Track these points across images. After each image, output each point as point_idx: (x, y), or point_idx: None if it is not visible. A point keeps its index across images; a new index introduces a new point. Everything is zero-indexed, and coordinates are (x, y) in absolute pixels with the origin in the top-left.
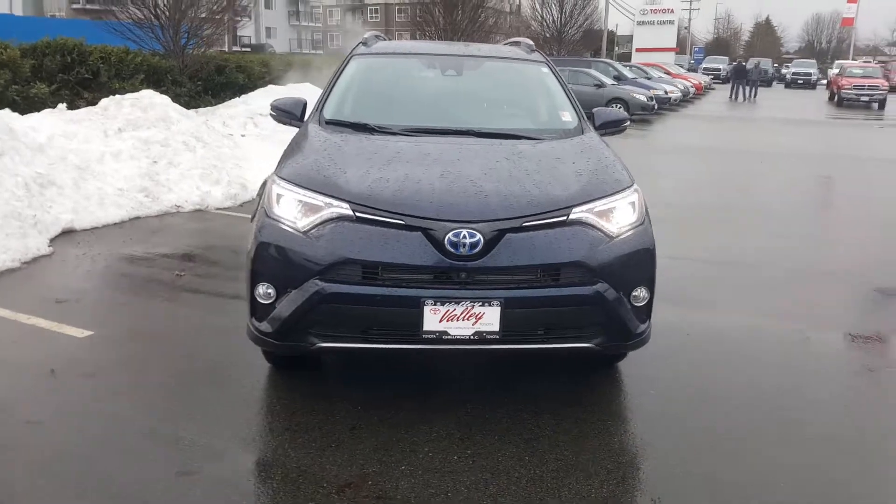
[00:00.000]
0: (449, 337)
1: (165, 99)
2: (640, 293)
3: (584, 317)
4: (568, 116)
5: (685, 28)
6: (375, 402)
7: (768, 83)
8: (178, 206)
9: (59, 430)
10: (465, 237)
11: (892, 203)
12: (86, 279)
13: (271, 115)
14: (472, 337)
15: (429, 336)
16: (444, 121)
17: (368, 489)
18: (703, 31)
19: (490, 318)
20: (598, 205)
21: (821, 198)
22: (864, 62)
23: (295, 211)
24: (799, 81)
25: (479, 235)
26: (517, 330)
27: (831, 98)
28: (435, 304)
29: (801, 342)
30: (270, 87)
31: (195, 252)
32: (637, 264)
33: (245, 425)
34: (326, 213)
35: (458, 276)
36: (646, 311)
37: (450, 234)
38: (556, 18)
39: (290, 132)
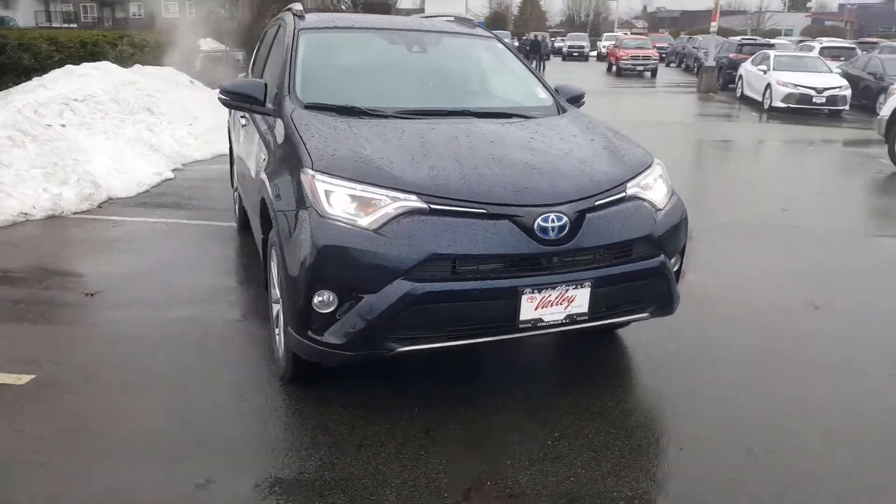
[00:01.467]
0: (543, 324)
1: None
2: (675, 260)
3: (649, 288)
4: (542, 93)
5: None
6: (426, 401)
7: (547, 56)
8: (27, 214)
9: None
10: (553, 221)
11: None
12: None
13: (222, 99)
14: (563, 321)
15: (525, 325)
16: (431, 101)
17: (493, 490)
18: (478, 6)
19: (581, 300)
20: (641, 179)
21: None
22: (623, 34)
23: (352, 208)
24: (574, 54)
25: (565, 218)
26: (600, 308)
27: (609, 69)
28: (532, 293)
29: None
30: (69, 67)
31: (87, 266)
32: (680, 233)
33: (308, 452)
34: (394, 208)
35: (549, 261)
36: (677, 277)
37: (538, 220)
38: None
39: (126, 119)
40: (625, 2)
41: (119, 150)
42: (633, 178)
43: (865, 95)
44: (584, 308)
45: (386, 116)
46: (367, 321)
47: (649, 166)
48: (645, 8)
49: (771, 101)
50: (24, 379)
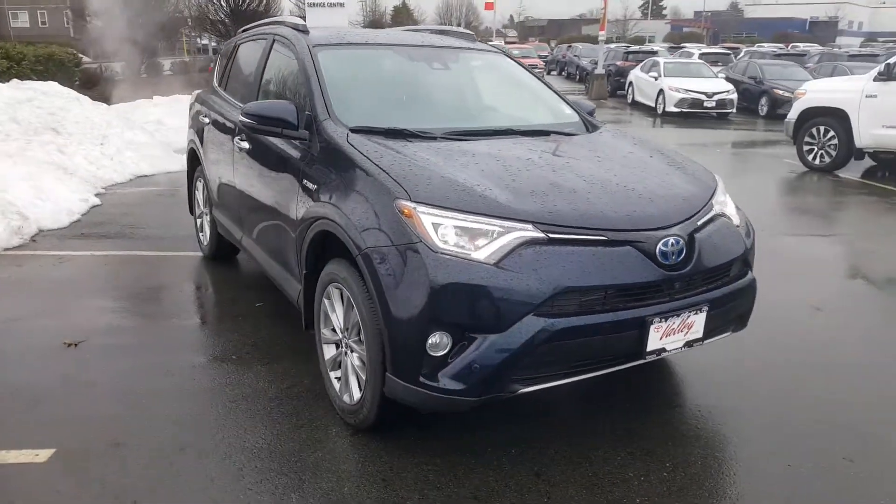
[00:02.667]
0: (666, 352)
1: None
2: None
3: (740, 306)
4: (567, 108)
5: None
6: (518, 441)
7: None
8: None
9: None
10: (672, 245)
11: None
12: None
13: (247, 123)
14: (681, 348)
15: (650, 354)
16: (471, 120)
17: None
18: (353, 14)
19: (698, 326)
20: (717, 196)
21: None
22: (502, 43)
23: (462, 241)
24: None
25: (682, 241)
26: (709, 331)
27: None
28: (659, 321)
29: None
30: None
31: (51, 311)
32: (755, 247)
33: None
34: (511, 239)
35: (671, 287)
36: None
37: (660, 244)
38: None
39: (32, 140)
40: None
41: (34, 175)
42: (712, 195)
43: (747, 98)
44: (700, 333)
45: (434, 138)
46: (494, 363)
47: (717, 182)
48: (512, 17)
49: (664, 106)
50: (44, 454)
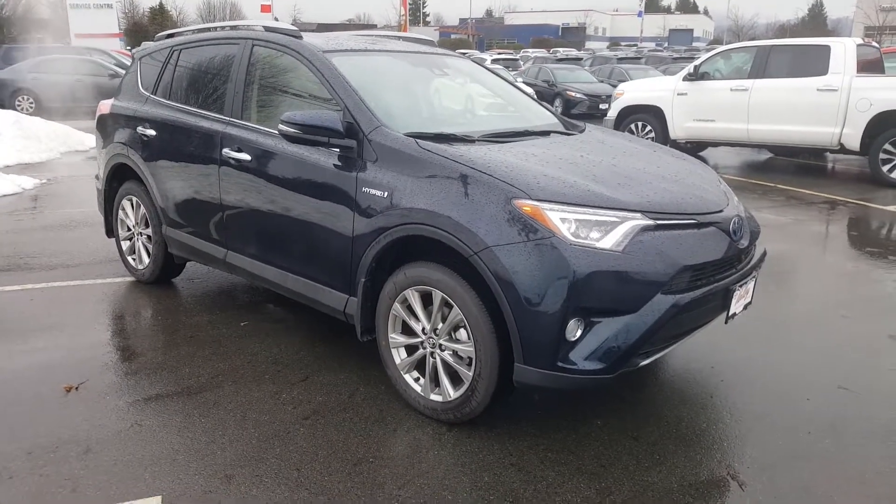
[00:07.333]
0: (736, 316)
1: None
2: None
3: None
4: (547, 109)
5: None
6: (590, 416)
7: None
8: None
9: None
10: (738, 223)
11: None
12: None
13: (289, 133)
14: (740, 312)
15: (730, 319)
16: (492, 123)
17: (758, 484)
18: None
19: (751, 291)
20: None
21: None
22: None
23: (586, 232)
24: None
25: (743, 219)
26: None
27: None
28: (738, 289)
29: None
30: None
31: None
32: None
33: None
34: (629, 227)
35: (740, 259)
36: None
37: (732, 223)
38: None
39: None
40: (257, 13)
41: None
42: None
43: (542, 100)
44: (750, 298)
45: (474, 141)
46: (632, 340)
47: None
48: (276, 19)
49: None
50: (153, 501)
